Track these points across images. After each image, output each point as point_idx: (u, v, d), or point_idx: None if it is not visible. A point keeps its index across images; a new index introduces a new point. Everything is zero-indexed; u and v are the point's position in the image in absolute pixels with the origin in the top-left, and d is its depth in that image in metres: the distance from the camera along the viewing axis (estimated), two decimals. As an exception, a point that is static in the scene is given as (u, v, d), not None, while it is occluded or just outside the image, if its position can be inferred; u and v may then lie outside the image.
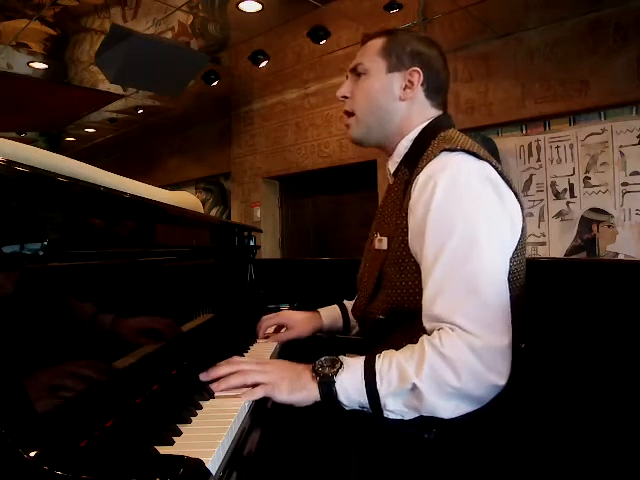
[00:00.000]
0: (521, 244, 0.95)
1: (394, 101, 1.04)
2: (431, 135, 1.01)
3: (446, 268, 0.85)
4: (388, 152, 1.10)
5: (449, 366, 0.79)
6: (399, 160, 1.07)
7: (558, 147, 3.22)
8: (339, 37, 3.77)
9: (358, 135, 1.10)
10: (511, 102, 3.34)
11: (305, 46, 3.92)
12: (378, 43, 1.07)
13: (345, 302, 1.35)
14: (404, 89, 1.04)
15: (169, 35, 3.54)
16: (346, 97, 1.10)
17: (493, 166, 0.93)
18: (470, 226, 0.86)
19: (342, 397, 0.83)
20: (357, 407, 0.84)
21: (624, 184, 2.97)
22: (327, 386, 0.83)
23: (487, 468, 0.89)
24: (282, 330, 1.35)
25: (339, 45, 3.88)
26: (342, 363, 0.85)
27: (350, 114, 1.10)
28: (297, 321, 1.31)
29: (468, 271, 0.84)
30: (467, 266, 0.84)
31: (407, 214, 0.95)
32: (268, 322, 1.34)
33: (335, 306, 1.34)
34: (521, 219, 0.95)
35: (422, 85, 1.04)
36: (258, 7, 3.20)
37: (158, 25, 3.38)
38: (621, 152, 2.98)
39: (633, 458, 1.11)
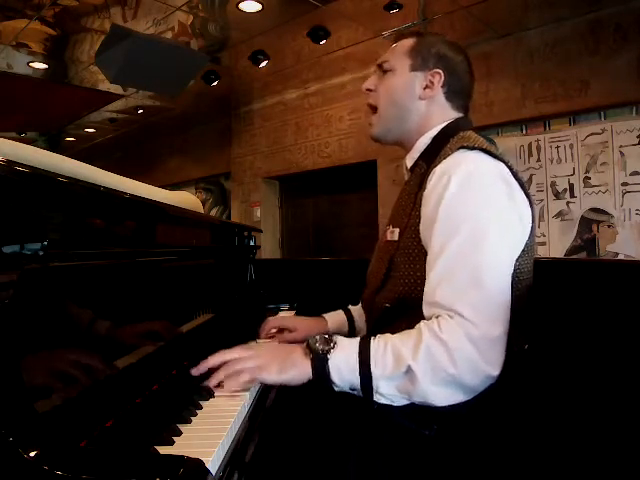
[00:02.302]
0: (529, 245, 0.95)
1: (414, 99, 1.08)
2: (450, 134, 1.04)
3: (451, 258, 0.86)
4: (406, 148, 1.13)
5: (446, 351, 0.79)
6: (417, 156, 1.09)
7: (558, 147, 3.22)
8: (339, 37, 3.77)
9: (379, 133, 1.14)
10: (511, 102, 3.34)
11: (305, 46, 3.91)
12: (407, 43, 1.11)
13: (350, 307, 1.35)
14: (424, 88, 1.07)
15: (169, 35, 3.54)
16: (370, 90, 1.13)
17: (508, 166, 0.94)
18: (480, 220, 0.87)
19: (334, 376, 0.83)
20: (348, 389, 0.84)
21: (624, 184, 2.97)
22: (320, 363, 0.83)
23: (488, 465, 0.89)
24: (286, 332, 1.33)
25: (339, 45, 3.88)
26: (336, 341, 0.85)
27: (373, 108, 1.13)
28: (302, 325, 1.30)
29: (473, 263, 0.85)
30: (472, 258, 0.85)
31: (420, 205, 0.96)
32: (272, 323, 1.34)
33: (340, 311, 1.34)
34: (531, 220, 0.96)
35: (443, 87, 1.08)
36: (258, 7, 3.20)
37: (158, 25, 3.38)
38: (621, 152, 2.98)
39: (634, 456, 1.11)
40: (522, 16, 3.18)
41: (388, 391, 0.82)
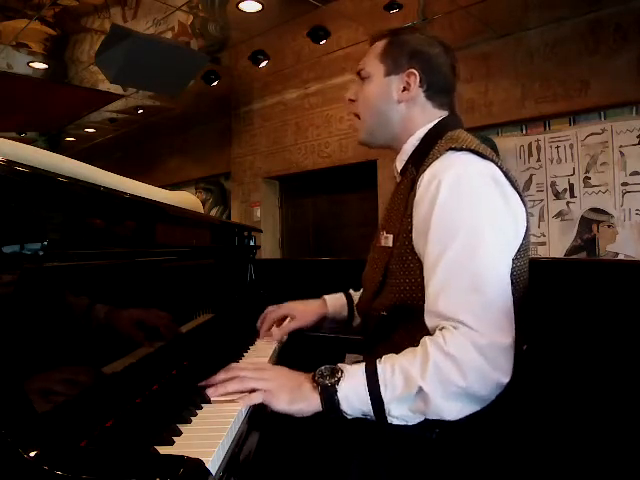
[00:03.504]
0: (524, 245, 0.94)
1: (392, 104, 1.06)
2: (438, 134, 1.01)
3: (450, 266, 0.85)
4: (396, 151, 1.11)
5: (454, 365, 0.78)
6: (406, 158, 1.07)
7: (558, 147, 3.22)
8: (339, 37, 3.77)
9: (364, 138, 1.14)
10: (511, 102, 3.34)
11: (305, 46, 3.91)
12: (379, 46, 1.08)
13: (351, 292, 1.34)
14: (402, 91, 1.05)
15: (169, 35, 3.54)
16: (352, 100, 1.13)
17: (498, 166, 0.93)
18: (474, 225, 0.86)
19: (344, 406, 0.82)
20: (360, 415, 0.83)
21: (624, 184, 2.97)
22: (329, 396, 0.82)
23: (490, 468, 0.89)
24: (286, 321, 1.33)
25: (339, 45, 3.88)
26: (342, 371, 0.83)
27: (355, 116, 1.13)
28: (301, 311, 1.30)
29: (472, 269, 0.84)
30: (471, 264, 0.84)
31: (412, 211, 0.95)
32: (272, 315, 1.33)
33: (341, 294, 1.34)
34: (525, 220, 0.95)
35: (421, 86, 1.04)
36: (258, 7, 3.20)
37: (158, 25, 3.38)
38: (621, 152, 2.98)
39: (635, 460, 1.11)
40: (522, 16, 3.18)
41: (401, 413, 0.81)
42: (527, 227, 0.95)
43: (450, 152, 0.93)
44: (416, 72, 1.03)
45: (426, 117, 1.06)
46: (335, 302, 1.32)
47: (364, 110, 1.10)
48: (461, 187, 0.88)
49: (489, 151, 0.96)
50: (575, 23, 3.07)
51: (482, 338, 0.79)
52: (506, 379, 0.81)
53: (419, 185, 0.94)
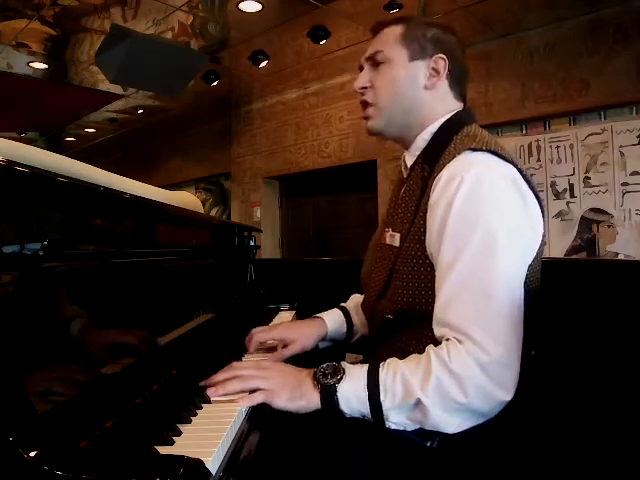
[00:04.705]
0: (539, 250, 0.92)
1: (418, 90, 1.01)
2: (453, 130, 0.97)
3: (463, 273, 0.82)
4: (405, 145, 1.06)
5: (456, 382, 0.77)
6: (418, 153, 1.02)
7: (558, 147, 3.22)
8: (339, 37, 3.77)
9: (378, 126, 1.05)
10: (511, 102, 3.34)
11: (305, 46, 3.91)
12: (396, 31, 1.02)
13: (345, 305, 1.27)
14: (429, 77, 1.00)
15: (169, 35, 3.54)
16: (364, 87, 1.05)
17: (518, 168, 0.90)
18: (491, 231, 0.83)
19: (344, 406, 0.82)
20: (358, 416, 0.83)
21: (624, 184, 2.97)
22: (328, 395, 0.82)
23: (493, 476, 0.88)
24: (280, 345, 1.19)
25: (339, 45, 3.88)
26: (344, 371, 0.83)
27: (368, 104, 1.05)
28: (299, 333, 1.16)
29: (485, 279, 0.81)
30: (485, 274, 0.82)
31: (425, 213, 0.91)
32: (259, 337, 1.16)
33: (338, 311, 1.25)
34: (541, 224, 0.93)
35: (447, 74, 1.01)
36: (258, 7, 3.20)
37: (158, 25, 3.37)
38: (621, 152, 2.98)
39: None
40: (522, 16, 3.18)
41: (399, 420, 0.81)
42: (543, 233, 0.93)
43: (468, 152, 0.90)
44: (445, 58, 0.99)
45: (445, 108, 1.02)
46: (334, 319, 1.22)
47: (384, 95, 1.02)
48: (480, 190, 0.85)
49: (507, 151, 0.93)
50: (575, 23, 3.07)
51: (487, 355, 0.78)
52: (509, 397, 0.79)
53: (435, 186, 0.90)
